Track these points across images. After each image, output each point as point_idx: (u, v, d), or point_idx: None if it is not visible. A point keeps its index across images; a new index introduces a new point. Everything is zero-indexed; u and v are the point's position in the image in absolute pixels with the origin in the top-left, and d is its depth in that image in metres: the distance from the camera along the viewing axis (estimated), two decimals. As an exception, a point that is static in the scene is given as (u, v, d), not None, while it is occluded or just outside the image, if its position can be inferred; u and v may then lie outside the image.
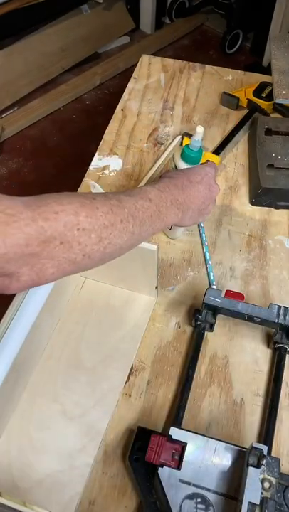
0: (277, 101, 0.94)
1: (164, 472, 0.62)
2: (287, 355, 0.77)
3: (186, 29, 3.03)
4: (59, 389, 0.75)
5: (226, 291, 0.78)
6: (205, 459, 0.63)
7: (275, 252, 0.92)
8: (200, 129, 0.79)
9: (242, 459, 0.62)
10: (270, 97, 1.13)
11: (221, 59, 2.83)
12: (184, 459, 0.62)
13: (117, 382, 0.76)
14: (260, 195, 0.97)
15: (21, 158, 2.33)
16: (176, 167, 0.86)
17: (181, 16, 3.02)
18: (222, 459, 0.63)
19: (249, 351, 0.80)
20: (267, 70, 1.13)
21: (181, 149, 0.84)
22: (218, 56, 2.87)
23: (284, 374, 0.75)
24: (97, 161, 1.07)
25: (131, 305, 0.84)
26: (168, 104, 1.20)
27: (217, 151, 1.07)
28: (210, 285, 0.87)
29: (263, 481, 0.58)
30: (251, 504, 0.56)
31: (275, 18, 2.47)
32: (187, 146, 0.82)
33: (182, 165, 0.84)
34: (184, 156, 0.82)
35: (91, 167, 1.06)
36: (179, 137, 0.79)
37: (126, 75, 2.61)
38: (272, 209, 0.98)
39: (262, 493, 0.57)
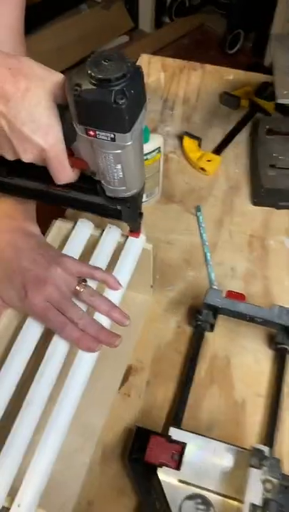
0: (279, 101, 0.93)
1: (163, 472, 0.61)
2: (288, 356, 0.77)
3: (187, 29, 3.02)
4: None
5: (227, 291, 0.78)
6: (205, 459, 0.63)
7: (277, 252, 0.91)
8: None
9: (243, 460, 0.62)
10: (271, 97, 1.13)
11: (222, 59, 2.81)
12: (184, 459, 0.62)
13: (112, 382, 0.75)
14: (262, 196, 0.97)
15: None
16: None
17: (181, 16, 3.01)
18: (222, 459, 0.63)
19: (250, 352, 0.79)
20: (269, 71, 1.13)
21: None
22: (218, 56, 2.86)
23: (285, 375, 0.75)
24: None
25: (125, 304, 0.83)
26: (168, 103, 1.19)
27: (218, 151, 1.07)
28: (211, 285, 0.87)
29: (264, 482, 0.58)
30: (253, 505, 0.56)
31: (276, 18, 2.46)
32: None
33: None
34: None
35: (91, 166, 1.05)
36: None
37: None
38: (274, 209, 0.98)
39: (264, 494, 0.57)
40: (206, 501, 0.60)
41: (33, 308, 0.62)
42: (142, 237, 0.73)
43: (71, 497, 0.65)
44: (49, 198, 0.64)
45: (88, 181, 0.59)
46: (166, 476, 0.61)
